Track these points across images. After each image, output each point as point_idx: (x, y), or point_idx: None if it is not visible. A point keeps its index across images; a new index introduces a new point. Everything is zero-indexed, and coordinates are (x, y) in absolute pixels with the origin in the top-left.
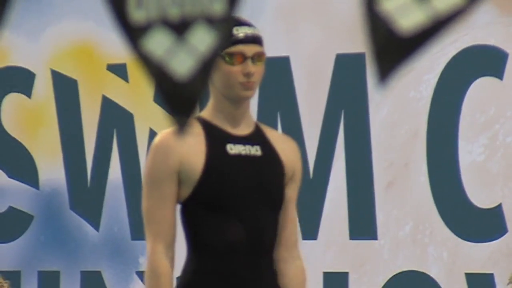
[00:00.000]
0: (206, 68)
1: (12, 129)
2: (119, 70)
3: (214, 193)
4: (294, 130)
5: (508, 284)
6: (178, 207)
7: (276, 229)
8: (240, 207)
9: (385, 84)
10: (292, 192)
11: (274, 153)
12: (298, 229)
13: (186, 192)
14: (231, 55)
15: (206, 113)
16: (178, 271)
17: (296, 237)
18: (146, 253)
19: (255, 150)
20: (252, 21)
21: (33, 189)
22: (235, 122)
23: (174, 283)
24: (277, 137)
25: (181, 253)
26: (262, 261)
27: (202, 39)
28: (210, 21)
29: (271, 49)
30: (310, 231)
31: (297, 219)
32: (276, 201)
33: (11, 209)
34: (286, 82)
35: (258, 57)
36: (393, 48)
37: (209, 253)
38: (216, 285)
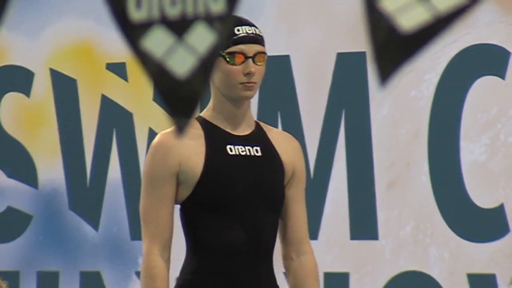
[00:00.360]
0: (206, 67)
1: (11, 129)
2: (118, 69)
3: (213, 194)
4: (294, 130)
5: (509, 284)
6: (177, 207)
7: (276, 230)
8: (240, 208)
9: (386, 83)
10: (294, 191)
11: (275, 153)
12: (306, 226)
13: (186, 192)
14: (232, 54)
15: (207, 113)
16: (177, 271)
17: (303, 234)
18: (142, 254)
19: (255, 151)
20: (252, 20)
21: (32, 189)
22: (236, 123)
23: (170, 284)
24: (278, 136)
25: (181, 254)
26: (262, 262)
27: (202, 39)
28: (210, 20)
29: (271, 48)
30: (311, 231)
31: (305, 216)
32: (275, 202)
33: (10, 209)
34: (286, 81)
35: (259, 56)
36: (394, 47)
37: (209, 254)
38: (214, 285)
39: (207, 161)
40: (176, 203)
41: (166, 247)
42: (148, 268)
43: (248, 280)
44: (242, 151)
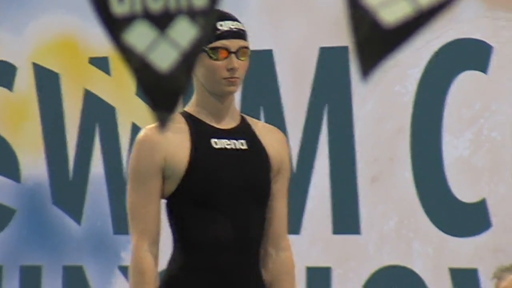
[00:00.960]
0: (189, 62)
1: None
2: (101, 64)
3: (199, 188)
4: (277, 124)
5: (492, 279)
6: (163, 202)
7: (263, 224)
8: (226, 202)
9: (368, 78)
10: (279, 185)
11: (260, 147)
12: (286, 221)
13: (171, 187)
14: (215, 50)
15: (191, 108)
16: (163, 266)
17: (283, 230)
18: (130, 250)
19: (240, 144)
20: (236, 15)
21: (15, 183)
22: (220, 117)
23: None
24: (263, 129)
25: (169, 249)
26: (249, 257)
27: (185, 33)
28: (193, 15)
29: (255, 43)
30: (293, 226)
31: (286, 212)
32: (262, 196)
33: None
34: (269, 75)
35: (242, 52)
36: (376, 41)
37: (195, 249)
38: (201, 280)
39: (192, 155)
40: (162, 197)
41: (155, 243)
42: (137, 263)
43: (236, 275)
44: (228, 145)
